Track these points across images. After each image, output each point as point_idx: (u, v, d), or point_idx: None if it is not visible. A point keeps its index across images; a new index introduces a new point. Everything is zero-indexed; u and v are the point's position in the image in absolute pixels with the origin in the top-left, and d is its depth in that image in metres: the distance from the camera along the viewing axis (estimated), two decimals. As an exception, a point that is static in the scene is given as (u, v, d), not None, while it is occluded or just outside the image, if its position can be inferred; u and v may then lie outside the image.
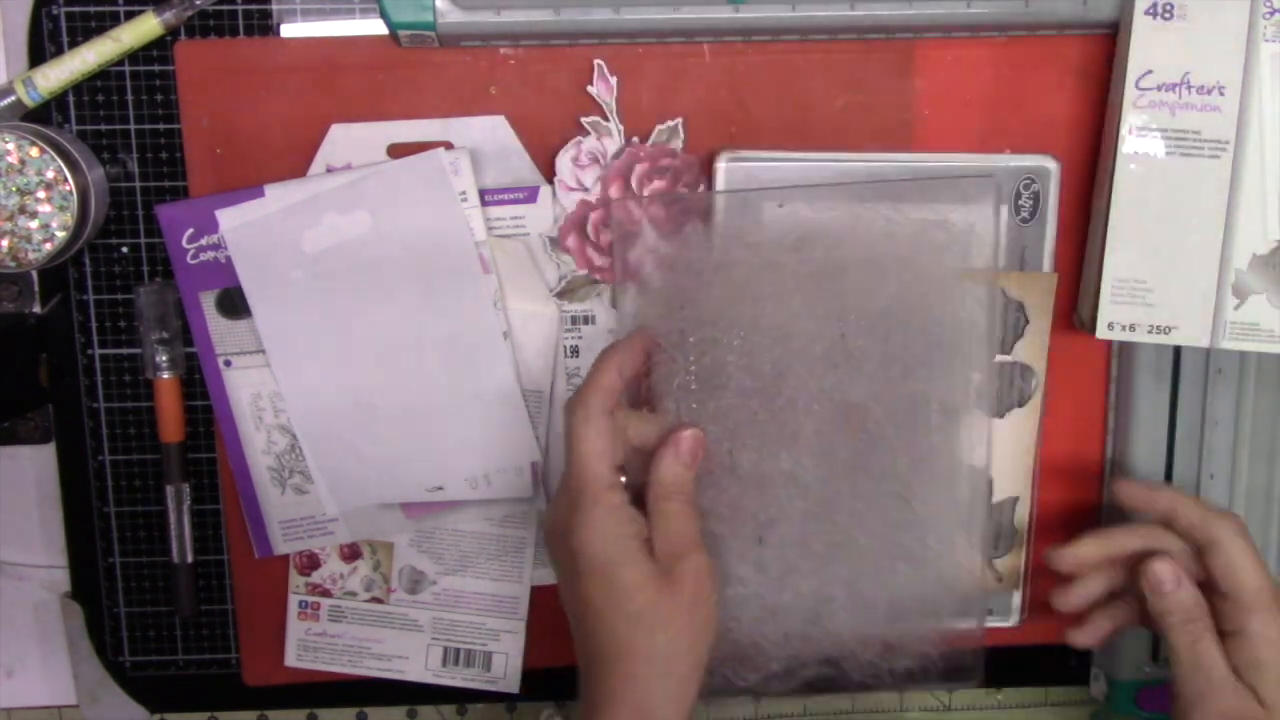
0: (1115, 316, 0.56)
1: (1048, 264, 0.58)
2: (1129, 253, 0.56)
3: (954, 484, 0.55)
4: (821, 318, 0.52)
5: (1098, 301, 0.56)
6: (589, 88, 0.57)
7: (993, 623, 0.61)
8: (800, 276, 0.52)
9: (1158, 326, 0.56)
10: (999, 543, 0.59)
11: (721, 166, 0.56)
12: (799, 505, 0.52)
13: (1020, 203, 0.57)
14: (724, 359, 0.52)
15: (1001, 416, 0.57)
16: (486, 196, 0.57)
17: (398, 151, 0.57)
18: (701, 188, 0.57)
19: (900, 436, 0.53)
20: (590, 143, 0.58)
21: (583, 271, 0.59)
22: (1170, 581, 0.53)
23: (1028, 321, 0.56)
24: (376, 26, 0.56)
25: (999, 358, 0.57)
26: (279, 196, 0.57)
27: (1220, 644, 0.52)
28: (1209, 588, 0.53)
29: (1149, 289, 0.56)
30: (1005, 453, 0.57)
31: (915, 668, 0.56)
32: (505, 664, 0.62)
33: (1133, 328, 0.56)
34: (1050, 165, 0.57)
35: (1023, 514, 0.58)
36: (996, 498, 0.57)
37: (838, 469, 0.53)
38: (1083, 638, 0.56)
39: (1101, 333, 0.56)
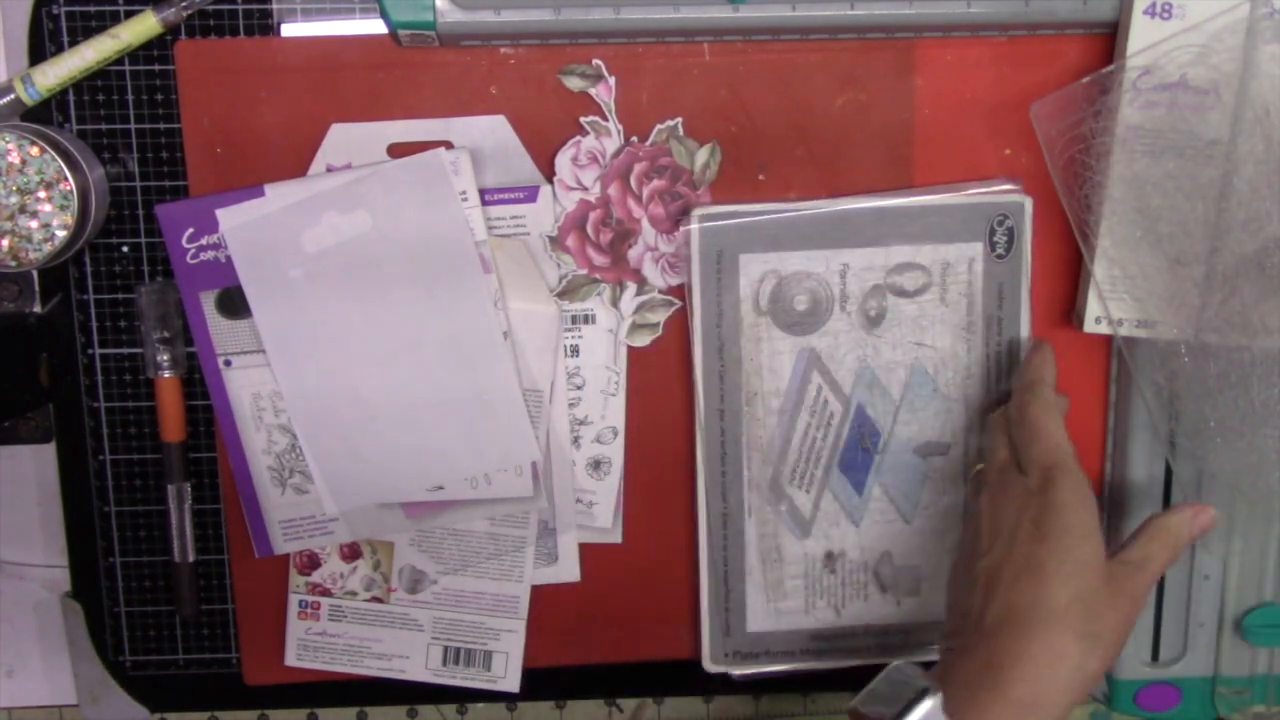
0: (1102, 310, 0.57)
1: (1025, 299, 0.59)
2: (1120, 249, 0.56)
3: None
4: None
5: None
6: (589, 87, 0.58)
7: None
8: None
9: (1143, 321, 0.57)
10: None
11: (695, 229, 0.57)
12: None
13: (995, 239, 0.58)
14: None
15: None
16: (486, 196, 0.58)
17: (398, 151, 0.57)
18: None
19: None
20: (589, 142, 0.58)
21: (583, 271, 0.59)
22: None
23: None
24: (376, 26, 0.56)
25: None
26: (279, 196, 0.57)
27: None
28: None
29: (1137, 284, 0.56)
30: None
31: None
32: (505, 664, 0.62)
33: (1120, 322, 0.57)
34: (1023, 200, 0.58)
35: None
36: None
37: None
38: None
39: (1089, 326, 0.57)
